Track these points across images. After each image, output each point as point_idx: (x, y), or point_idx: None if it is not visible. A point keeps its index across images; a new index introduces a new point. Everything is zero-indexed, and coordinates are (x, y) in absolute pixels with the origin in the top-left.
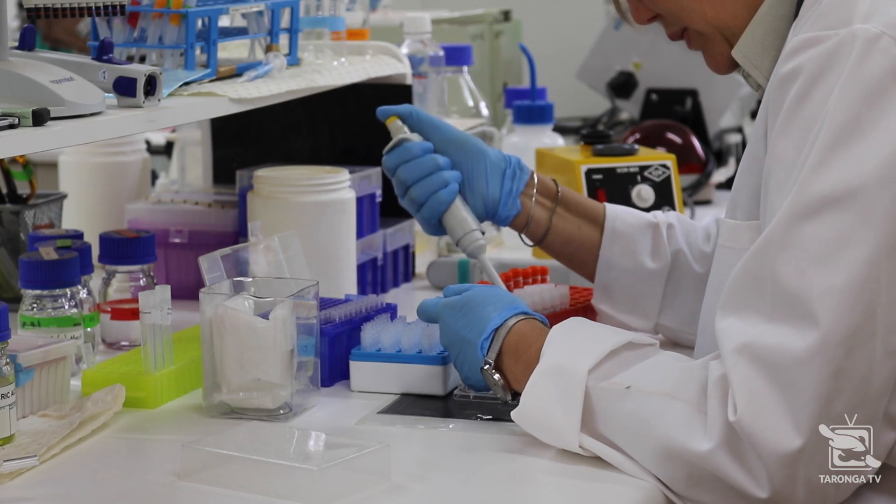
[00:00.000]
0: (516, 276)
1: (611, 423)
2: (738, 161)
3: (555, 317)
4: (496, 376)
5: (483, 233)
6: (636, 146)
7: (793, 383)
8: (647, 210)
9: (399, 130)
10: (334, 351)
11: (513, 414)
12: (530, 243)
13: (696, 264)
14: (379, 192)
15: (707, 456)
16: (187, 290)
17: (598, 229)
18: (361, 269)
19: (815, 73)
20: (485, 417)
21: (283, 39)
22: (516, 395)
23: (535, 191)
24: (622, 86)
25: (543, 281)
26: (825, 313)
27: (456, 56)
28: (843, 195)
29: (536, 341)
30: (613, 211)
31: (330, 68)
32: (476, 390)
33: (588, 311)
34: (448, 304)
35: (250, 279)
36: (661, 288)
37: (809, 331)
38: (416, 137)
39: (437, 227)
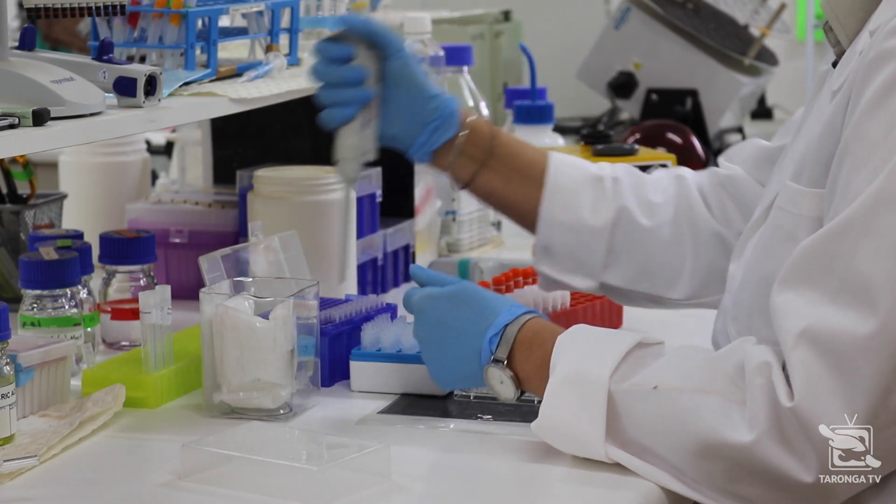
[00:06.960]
0: (516, 276)
1: (640, 425)
2: None
3: (555, 317)
4: (508, 373)
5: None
6: (636, 146)
7: (853, 371)
8: None
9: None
10: (334, 351)
11: (533, 426)
12: (458, 187)
13: (642, 218)
14: (379, 192)
15: (751, 447)
16: (187, 290)
17: (534, 184)
18: (361, 269)
19: None
20: (485, 417)
21: (283, 39)
22: (523, 394)
23: (458, 142)
24: (622, 86)
25: None
26: (890, 303)
27: (456, 56)
28: None
29: (549, 339)
30: (556, 165)
31: None
32: (449, 388)
33: (588, 313)
34: (432, 294)
35: (250, 279)
36: (605, 245)
37: (871, 318)
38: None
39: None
